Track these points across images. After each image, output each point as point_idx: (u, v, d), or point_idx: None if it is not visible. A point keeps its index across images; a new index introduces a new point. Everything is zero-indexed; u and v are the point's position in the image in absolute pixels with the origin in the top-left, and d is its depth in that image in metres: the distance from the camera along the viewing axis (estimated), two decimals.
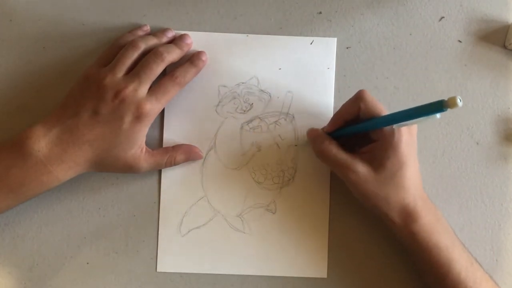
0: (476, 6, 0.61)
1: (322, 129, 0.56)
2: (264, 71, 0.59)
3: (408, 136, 0.51)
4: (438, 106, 0.43)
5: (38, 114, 0.58)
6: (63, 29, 0.60)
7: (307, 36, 0.60)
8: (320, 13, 0.61)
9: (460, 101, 0.41)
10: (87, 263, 0.59)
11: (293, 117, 0.59)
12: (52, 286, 0.58)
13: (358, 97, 0.53)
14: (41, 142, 0.52)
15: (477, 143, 0.60)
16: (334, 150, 0.53)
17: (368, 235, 0.59)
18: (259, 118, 0.59)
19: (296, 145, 0.59)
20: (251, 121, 0.59)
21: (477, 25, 0.60)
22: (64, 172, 0.53)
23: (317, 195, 0.59)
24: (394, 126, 0.50)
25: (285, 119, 0.59)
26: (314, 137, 0.55)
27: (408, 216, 0.52)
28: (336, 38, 0.60)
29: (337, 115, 0.55)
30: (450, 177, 0.60)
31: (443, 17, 0.61)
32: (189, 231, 0.59)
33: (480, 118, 0.60)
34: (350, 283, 0.59)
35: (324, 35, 0.60)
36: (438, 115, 0.45)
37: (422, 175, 0.59)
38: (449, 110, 0.41)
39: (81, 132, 0.52)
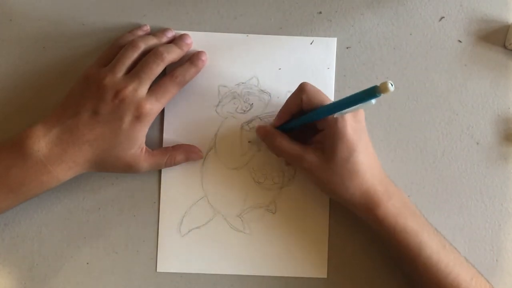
0: (476, 6, 0.61)
1: (271, 124, 0.57)
2: (264, 71, 0.59)
3: (353, 122, 0.51)
4: (371, 92, 0.43)
5: (38, 114, 0.58)
6: (63, 29, 0.60)
7: (307, 36, 0.60)
8: (320, 13, 0.61)
9: (392, 85, 0.41)
10: (87, 263, 0.59)
11: None
12: (52, 286, 0.58)
13: (300, 89, 0.53)
14: (41, 142, 0.52)
15: (477, 143, 0.60)
16: (286, 143, 0.54)
17: (368, 235, 0.59)
18: (259, 118, 0.59)
19: (249, 142, 0.59)
20: (251, 121, 0.59)
21: (477, 25, 0.60)
22: (64, 172, 0.53)
23: (317, 195, 0.59)
24: (336, 114, 0.49)
25: None
26: (265, 134, 0.56)
27: (370, 201, 0.52)
28: (336, 38, 0.60)
29: (283, 109, 0.56)
30: (450, 177, 0.60)
31: (443, 17, 0.61)
32: (189, 231, 0.59)
33: (480, 118, 0.60)
34: (350, 283, 0.59)
35: (324, 35, 0.60)
36: (373, 101, 0.45)
37: (422, 175, 0.59)
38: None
39: (81, 132, 0.52)
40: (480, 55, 0.60)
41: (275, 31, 0.60)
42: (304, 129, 0.56)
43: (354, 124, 0.51)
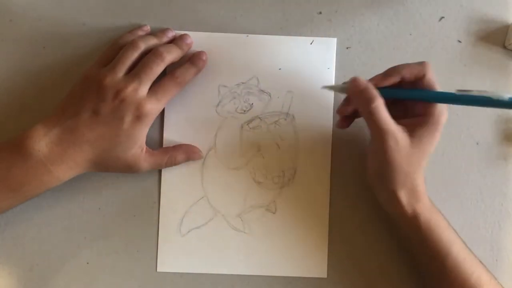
0: (476, 6, 0.61)
1: (371, 80, 0.53)
2: (264, 71, 0.59)
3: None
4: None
5: (38, 114, 0.58)
6: (63, 29, 0.60)
7: (307, 36, 0.60)
8: (320, 13, 0.61)
9: None
10: (87, 263, 0.59)
11: (293, 117, 0.59)
12: (52, 286, 0.58)
13: (425, 65, 0.52)
14: (42, 142, 0.52)
15: (477, 143, 0.60)
16: (384, 112, 0.50)
17: (368, 235, 0.59)
18: (259, 118, 0.59)
19: (322, 87, 0.56)
20: (251, 121, 0.59)
21: (477, 25, 0.60)
22: (64, 172, 0.53)
23: (317, 195, 0.59)
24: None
25: (285, 119, 0.59)
26: (363, 90, 0.51)
27: (415, 195, 0.53)
28: (336, 38, 0.60)
29: (393, 69, 0.52)
30: (450, 177, 0.60)
31: (443, 17, 0.61)
32: (189, 231, 0.59)
33: (480, 118, 0.60)
34: (350, 283, 0.59)
35: (324, 35, 0.60)
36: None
37: None
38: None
39: (81, 132, 0.52)
40: (480, 55, 0.60)
41: (275, 31, 0.60)
42: (392, 106, 0.52)
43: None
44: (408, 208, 0.53)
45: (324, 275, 0.59)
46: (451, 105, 0.59)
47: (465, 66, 0.60)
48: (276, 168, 0.59)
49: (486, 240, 0.59)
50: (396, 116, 0.51)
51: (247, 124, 0.59)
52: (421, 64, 0.52)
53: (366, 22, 0.61)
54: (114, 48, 0.57)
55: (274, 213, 0.59)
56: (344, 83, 0.54)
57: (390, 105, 0.51)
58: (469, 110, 0.60)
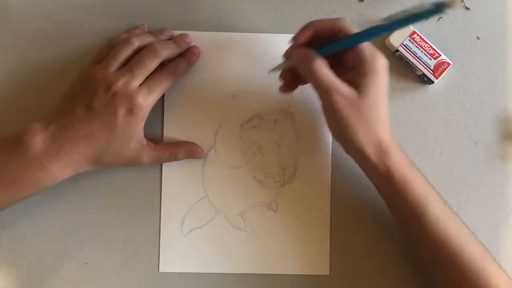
0: (475, 6, 0.61)
1: (293, 39, 0.53)
2: (264, 70, 0.59)
3: (386, 69, 0.51)
4: (436, 9, 0.41)
5: (36, 113, 0.57)
6: (61, 28, 0.60)
7: None
8: (316, 14, 0.61)
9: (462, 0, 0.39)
10: (86, 263, 0.58)
11: (293, 115, 0.59)
12: (50, 286, 0.58)
13: (340, 19, 0.52)
14: (38, 138, 0.52)
15: (475, 143, 0.60)
16: (325, 69, 0.50)
17: (370, 232, 0.59)
18: (259, 116, 0.59)
19: (269, 72, 0.57)
20: (251, 119, 0.59)
21: (476, 25, 0.61)
22: (60, 169, 0.53)
23: (318, 192, 0.59)
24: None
25: (285, 118, 0.59)
26: (304, 55, 0.52)
27: (383, 151, 0.52)
28: None
29: (309, 23, 0.53)
30: (448, 176, 0.60)
31: (441, 17, 0.61)
32: (190, 231, 0.59)
33: (478, 118, 0.60)
34: (352, 280, 0.59)
35: None
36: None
37: None
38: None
39: (77, 129, 0.52)
40: (478, 55, 0.61)
41: (274, 31, 0.60)
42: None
43: (385, 73, 0.51)
44: (379, 164, 0.52)
45: (326, 272, 0.58)
46: (449, 106, 0.60)
47: (463, 67, 0.60)
48: (276, 166, 0.59)
49: (485, 239, 0.59)
50: (339, 74, 0.51)
51: (247, 123, 0.59)
52: (337, 19, 0.52)
53: (365, 22, 0.61)
54: (109, 46, 0.57)
55: (275, 211, 0.59)
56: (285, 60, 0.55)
57: (332, 66, 0.51)
58: (467, 110, 0.60)
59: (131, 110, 0.52)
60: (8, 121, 0.59)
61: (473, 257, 0.52)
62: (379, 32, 0.50)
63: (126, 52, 0.55)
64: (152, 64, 0.54)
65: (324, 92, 0.51)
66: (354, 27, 0.52)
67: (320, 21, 0.53)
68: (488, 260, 0.52)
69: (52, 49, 0.60)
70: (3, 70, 0.59)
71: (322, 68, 0.50)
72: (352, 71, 0.52)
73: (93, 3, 0.60)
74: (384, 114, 0.52)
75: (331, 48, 0.52)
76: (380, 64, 0.51)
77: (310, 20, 0.53)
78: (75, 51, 0.60)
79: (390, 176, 0.52)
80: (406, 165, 0.53)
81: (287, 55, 0.55)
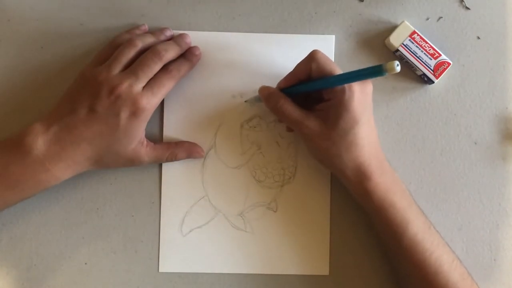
0: (475, 6, 0.61)
1: (276, 87, 0.56)
2: (264, 70, 0.59)
3: (360, 94, 0.51)
4: (378, 70, 0.46)
5: (36, 113, 0.58)
6: (61, 28, 0.60)
7: (305, 34, 0.60)
8: (317, 14, 0.61)
9: (398, 66, 0.44)
10: (85, 264, 0.58)
11: None
12: (50, 286, 0.58)
13: (311, 57, 0.53)
14: (39, 140, 0.52)
15: (475, 143, 0.60)
16: (289, 106, 0.54)
17: (370, 232, 0.59)
18: (259, 116, 0.59)
19: (246, 101, 0.59)
20: (251, 119, 0.59)
21: (476, 25, 0.61)
22: (62, 170, 0.53)
23: (318, 192, 0.59)
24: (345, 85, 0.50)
25: None
26: (268, 94, 0.55)
27: (362, 174, 0.53)
28: (334, 36, 0.60)
29: (291, 73, 0.55)
30: (448, 176, 0.60)
31: (441, 17, 0.61)
32: (190, 231, 0.59)
33: (478, 118, 0.60)
34: (352, 280, 0.59)
35: (323, 33, 0.60)
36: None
37: (420, 175, 0.59)
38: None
39: (79, 130, 0.52)
40: (478, 55, 0.61)
41: (274, 30, 0.60)
42: (308, 98, 0.56)
43: (361, 97, 0.51)
44: (358, 186, 0.53)
45: (326, 273, 0.59)
46: (449, 105, 0.60)
47: (462, 66, 0.60)
48: (276, 166, 0.59)
49: (485, 239, 0.59)
50: (312, 105, 0.55)
51: (247, 123, 0.59)
52: (307, 57, 0.53)
53: (365, 22, 0.61)
54: (111, 47, 0.57)
55: (275, 211, 0.59)
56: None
57: (304, 101, 0.55)
58: (467, 110, 0.60)
59: (135, 113, 0.53)
60: (8, 121, 0.59)
61: (451, 280, 0.53)
62: (335, 82, 0.51)
63: (129, 54, 0.55)
64: (155, 67, 0.54)
65: (293, 126, 0.55)
66: (323, 62, 0.52)
67: (297, 67, 0.55)
68: (467, 282, 0.54)
69: (52, 49, 0.60)
70: (3, 70, 0.59)
71: (286, 105, 0.54)
72: (326, 102, 0.53)
73: (93, 3, 0.60)
74: (360, 140, 0.52)
75: (299, 89, 0.54)
76: (347, 97, 0.51)
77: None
78: (75, 51, 0.60)
79: (369, 198, 0.53)
80: (386, 189, 0.53)
81: (260, 91, 0.57)
